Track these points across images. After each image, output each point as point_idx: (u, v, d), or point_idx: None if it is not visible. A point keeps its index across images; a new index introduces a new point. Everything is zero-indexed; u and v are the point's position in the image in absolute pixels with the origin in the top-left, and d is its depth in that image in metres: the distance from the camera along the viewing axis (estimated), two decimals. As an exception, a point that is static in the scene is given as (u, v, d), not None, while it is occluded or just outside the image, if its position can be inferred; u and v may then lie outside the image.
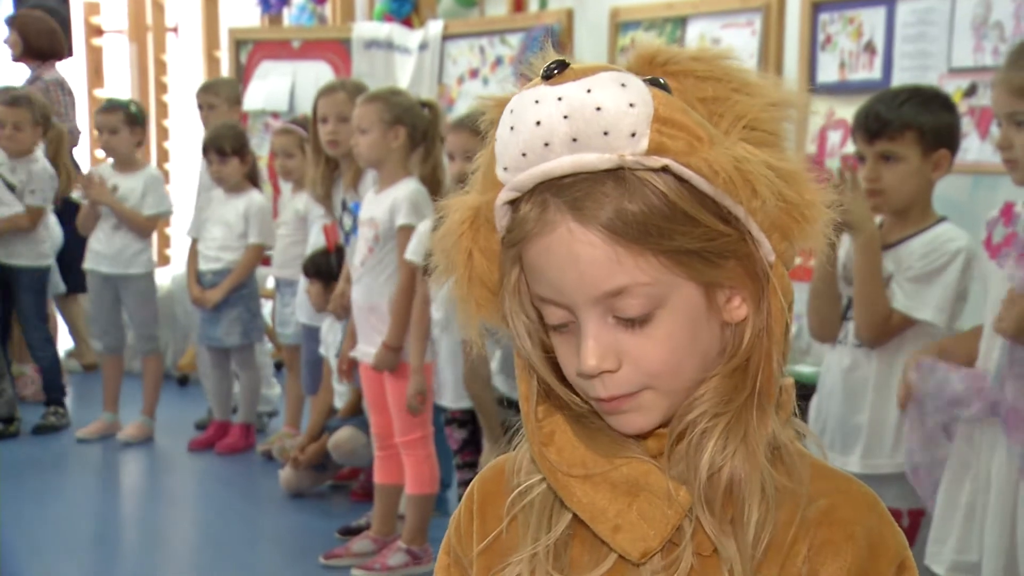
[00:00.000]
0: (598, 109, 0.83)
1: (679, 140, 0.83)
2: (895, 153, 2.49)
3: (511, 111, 0.86)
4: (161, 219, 5.40)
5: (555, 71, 0.86)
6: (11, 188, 5.30)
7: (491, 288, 0.91)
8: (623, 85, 0.84)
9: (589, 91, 0.83)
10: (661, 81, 0.86)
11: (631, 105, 0.83)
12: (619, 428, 0.90)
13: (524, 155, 0.85)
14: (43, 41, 6.08)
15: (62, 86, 6.18)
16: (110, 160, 5.31)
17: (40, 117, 5.35)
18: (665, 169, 0.83)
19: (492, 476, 1.00)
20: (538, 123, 0.84)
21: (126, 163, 5.21)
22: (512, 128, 0.86)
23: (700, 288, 0.87)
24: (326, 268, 4.38)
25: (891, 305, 2.49)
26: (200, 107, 5.51)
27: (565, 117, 0.83)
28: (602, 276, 0.85)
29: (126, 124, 5.12)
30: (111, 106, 5.28)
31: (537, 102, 0.85)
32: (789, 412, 0.93)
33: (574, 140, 0.83)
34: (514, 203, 0.88)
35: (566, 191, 0.85)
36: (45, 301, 5.56)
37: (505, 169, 0.87)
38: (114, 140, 5.16)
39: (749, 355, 0.88)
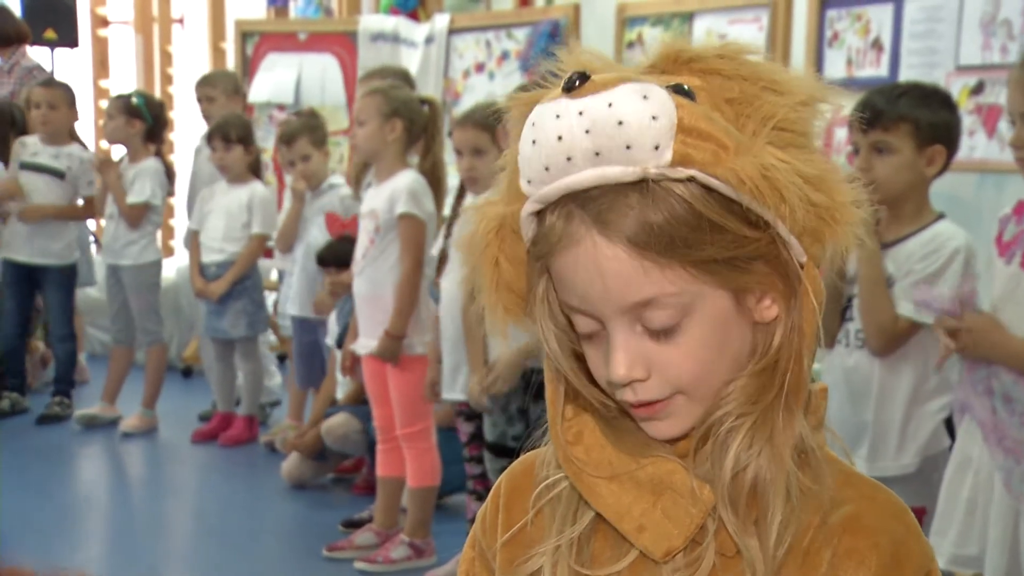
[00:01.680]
0: (620, 123, 0.82)
1: (704, 151, 0.82)
2: (888, 144, 2.46)
3: (532, 124, 0.85)
4: (144, 209, 5.18)
5: (576, 83, 0.84)
6: (59, 175, 5.35)
7: (518, 293, 0.91)
8: (645, 97, 0.82)
9: (611, 105, 0.82)
10: (685, 88, 0.84)
11: (654, 118, 0.82)
12: (651, 434, 0.90)
13: (547, 169, 0.84)
14: (8, 27, 5.96)
15: (37, 70, 6.09)
16: (121, 150, 5.32)
17: (73, 100, 5.42)
18: (691, 179, 0.83)
19: (521, 470, 1.00)
20: (560, 138, 0.83)
21: (133, 154, 5.21)
22: (534, 142, 0.85)
23: (729, 293, 0.86)
24: (344, 256, 4.29)
25: (897, 311, 2.47)
26: (200, 100, 5.51)
27: (587, 132, 0.83)
28: (629, 289, 0.84)
29: (123, 113, 5.12)
30: (115, 96, 5.31)
31: (558, 116, 0.84)
32: (821, 417, 0.92)
33: (596, 154, 0.83)
34: (539, 213, 0.88)
35: (591, 203, 0.84)
36: (73, 296, 5.59)
37: (529, 182, 0.86)
38: (109, 126, 5.19)
39: (778, 355, 0.87)
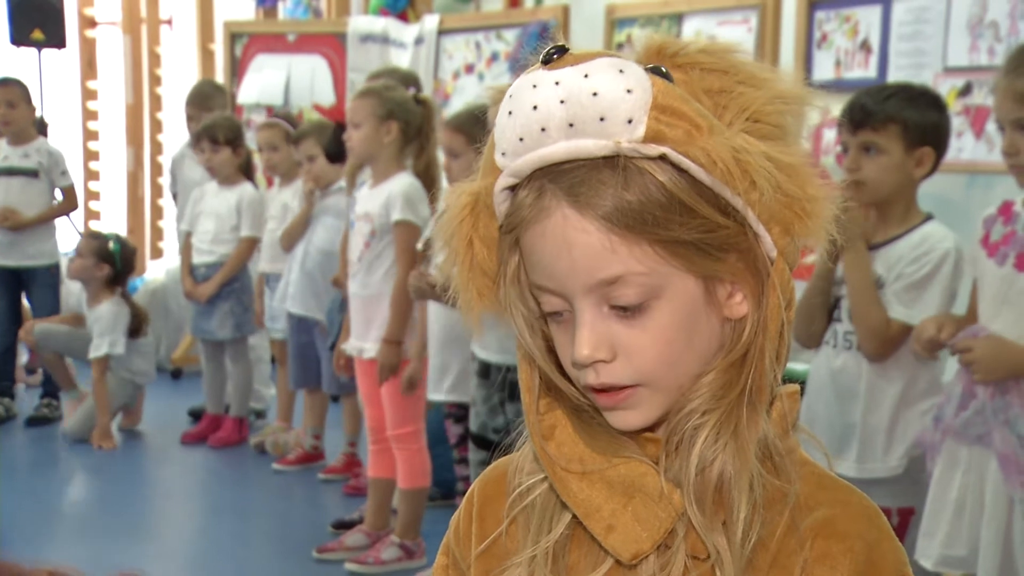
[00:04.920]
0: (595, 94, 0.82)
1: (677, 129, 0.82)
2: (877, 144, 2.46)
3: (510, 96, 0.85)
4: (105, 360, 5.13)
5: (554, 56, 0.85)
6: (33, 173, 5.36)
7: (491, 276, 0.90)
8: (621, 71, 0.83)
9: (586, 76, 0.82)
10: (663, 70, 0.85)
11: (628, 91, 0.82)
12: (615, 425, 0.89)
13: (521, 140, 0.84)
14: None
15: None
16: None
17: (29, 95, 5.43)
18: (663, 158, 0.82)
19: (493, 478, 0.99)
20: (535, 107, 0.83)
21: (92, 296, 5.15)
22: (510, 113, 0.85)
23: (699, 281, 0.86)
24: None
25: (889, 315, 2.47)
26: (190, 118, 5.46)
27: (562, 102, 0.82)
28: (596, 264, 0.84)
29: (94, 255, 5.07)
30: (91, 234, 5.23)
31: (535, 86, 0.84)
32: (792, 420, 0.91)
33: (570, 125, 0.82)
34: (513, 189, 0.87)
35: (563, 177, 0.84)
36: (59, 296, 5.60)
37: (503, 154, 0.86)
38: (76, 263, 5.14)
39: (746, 351, 0.87)
